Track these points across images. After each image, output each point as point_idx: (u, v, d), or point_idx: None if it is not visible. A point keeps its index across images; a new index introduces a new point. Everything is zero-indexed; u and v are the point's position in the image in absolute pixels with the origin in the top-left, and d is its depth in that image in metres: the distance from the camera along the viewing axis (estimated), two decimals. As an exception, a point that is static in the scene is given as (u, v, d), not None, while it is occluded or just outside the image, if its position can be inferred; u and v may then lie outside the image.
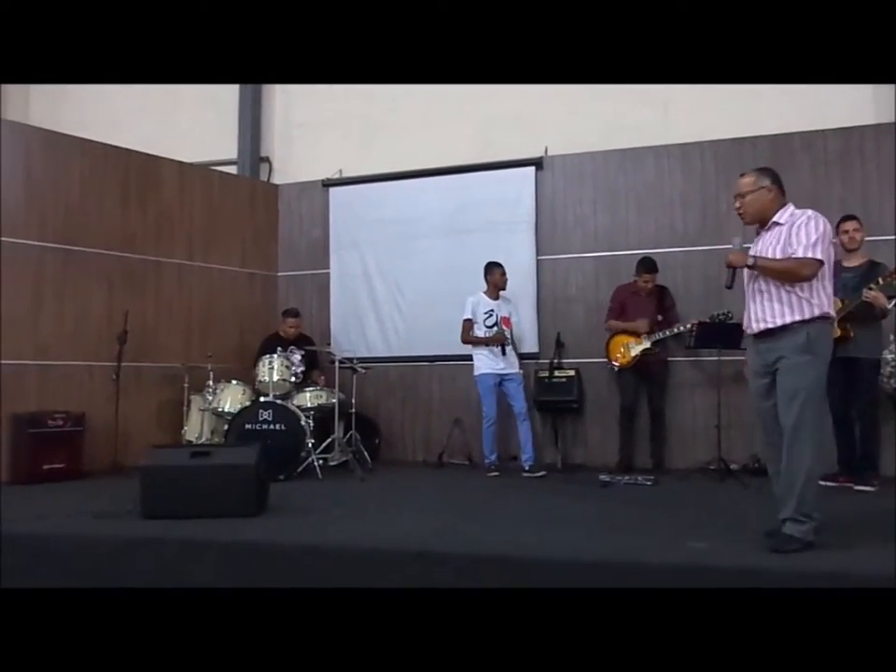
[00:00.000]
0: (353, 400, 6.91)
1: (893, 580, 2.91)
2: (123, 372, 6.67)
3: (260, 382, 6.57)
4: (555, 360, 7.05)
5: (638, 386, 6.73)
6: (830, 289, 3.59)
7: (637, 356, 6.54)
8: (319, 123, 8.56)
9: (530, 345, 7.35)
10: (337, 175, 8.26)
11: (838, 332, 5.25)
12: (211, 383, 6.77)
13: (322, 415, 6.85)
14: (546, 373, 7.04)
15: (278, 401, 6.35)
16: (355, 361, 6.99)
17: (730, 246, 3.81)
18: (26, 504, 5.02)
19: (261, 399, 6.43)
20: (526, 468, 6.49)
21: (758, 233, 3.78)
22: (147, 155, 7.42)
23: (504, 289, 6.82)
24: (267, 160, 8.83)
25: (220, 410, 6.64)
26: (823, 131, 6.68)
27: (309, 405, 6.75)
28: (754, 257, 3.65)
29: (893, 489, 5.06)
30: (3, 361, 6.24)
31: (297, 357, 6.78)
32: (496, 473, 6.49)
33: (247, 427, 6.17)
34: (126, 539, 3.96)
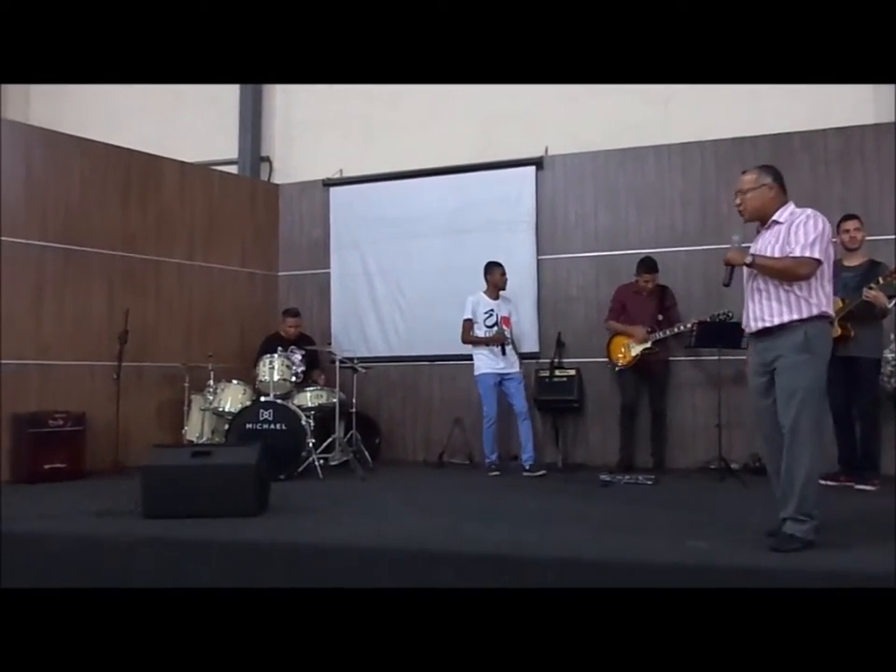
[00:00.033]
0: (353, 400, 6.91)
1: (893, 579, 2.90)
2: (124, 372, 6.67)
3: (261, 381, 6.57)
4: (556, 360, 7.06)
5: (639, 386, 6.73)
6: (829, 288, 3.59)
7: (637, 355, 6.55)
8: (320, 123, 8.56)
9: (531, 345, 7.35)
10: (337, 175, 8.26)
11: (839, 332, 5.25)
12: (212, 382, 6.77)
13: (323, 415, 6.85)
14: (547, 373, 7.05)
15: (279, 401, 6.35)
16: (355, 361, 6.99)
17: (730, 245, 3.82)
18: (27, 504, 5.03)
19: (262, 398, 6.43)
20: (527, 467, 6.49)
21: (758, 232, 3.79)
22: (148, 155, 7.42)
23: (504, 289, 6.81)
24: (267, 159, 8.83)
25: (221, 409, 6.64)
26: (824, 130, 6.68)
27: (309, 405, 6.75)
28: (752, 255, 3.65)
29: (894, 488, 5.05)
30: (3, 361, 6.24)
31: (297, 356, 6.78)
32: (496, 473, 6.50)
33: (248, 426, 6.18)
34: (127, 539, 3.95)
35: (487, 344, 6.65)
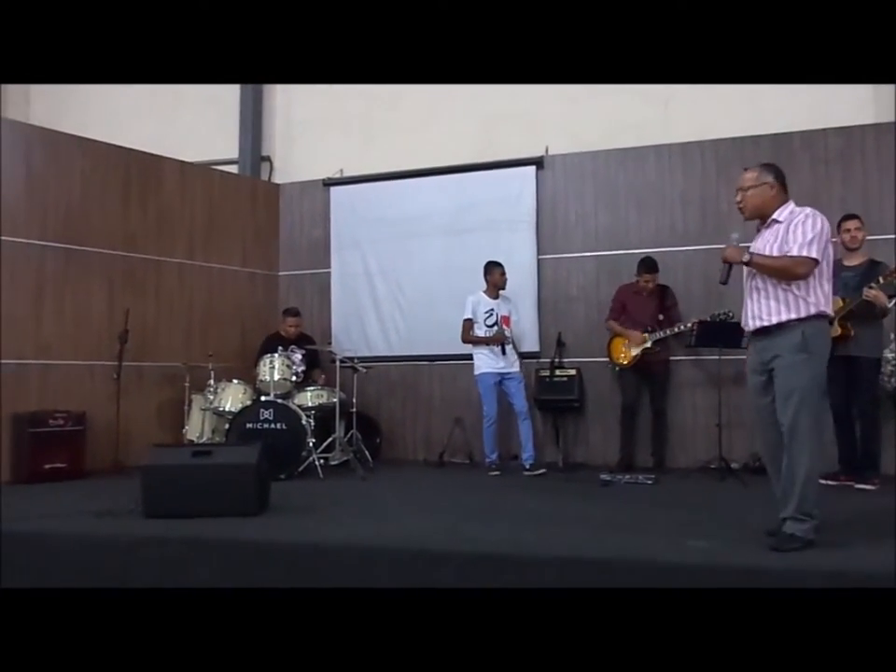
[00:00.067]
0: (354, 400, 6.91)
1: (893, 579, 2.91)
2: (124, 372, 6.68)
3: (261, 381, 6.57)
4: (556, 359, 7.06)
5: (640, 386, 6.73)
6: (827, 288, 3.59)
7: (637, 355, 6.55)
8: (320, 122, 8.56)
9: (531, 345, 7.36)
10: (338, 175, 8.26)
11: (839, 331, 5.26)
12: (212, 382, 6.77)
13: (323, 415, 6.86)
14: (547, 372, 7.05)
15: (279, 401, 6.36)
16: (356, 361, 6.99)
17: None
18: (27, 503, 5.03)
19: (262, 398, 6.43)
20: (527, 466, 6.50)
21: (758, 230, 3.79)
22: (148, 154, 7.42)
23: (504, 289, 6.82)
24: (268, 159, 8.83)
25: (221, 409, 6.64)
26: (824, 130, 6.68)
27: (310, 404, 6.75)
28: (750, 253, 3.65)
29: (894, 488, 5.05)
30: (4, 361, 6.24)
31: (298, 356, 6.79)
32: (496, 472, 6.50)
33: (248, 426, 6.18)
34: (127, 539, 3.96)
35: (487, 344, 6.65)
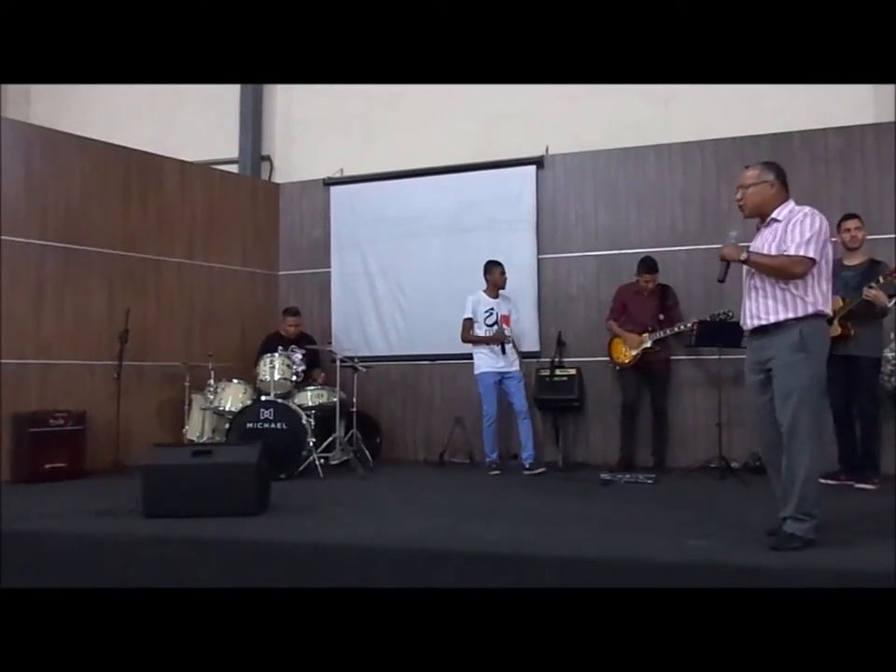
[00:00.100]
0: (354, 399, 6.91)
1: (893, 578, 2.91)
2: (124, 371, 6.67)
3: (261, 381, 6.57)
4: (556, 359, 7.06)
5: (640, 385, 6.73)
6: (826, 287, 3.58)
7: (637, 354, 6.55)
8: (320, 122, 8.56)
9: (531, 344, 7.36)
10: (338, 174, 8.26)
11: (839, 330, 5.27)
12: (212, 382, 6.77)
13: (323, 414, 6.86)
14: (547, 372, 7.05)
15: (279, 400, 6.36)
16: (356, 360, 6.99)
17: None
18: (27, 503, 5.03)
19: (262, 397, 6.43)
20: (527, 465, 6.50)
21: (758, 229, 3.78)
22: (148, 154, 7.42)
23: (503, 288, 6.82)
24: (268, 158, 8.83)
25: (221, 409, 6.64)
26: (824, 129, 6.68)
27: (310, 404, 6.75)
28: (748, 251, 3.65)
29: (894, 487, 5.05)
30: (4, 360, 6.24)
31: (298, 355, 6.79)
32: (497, 472, 6.50)
33: (249, 425, 6.18)
34: (127, 539, 3.96)
35: (487, 343, 6.65)
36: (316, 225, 8.32)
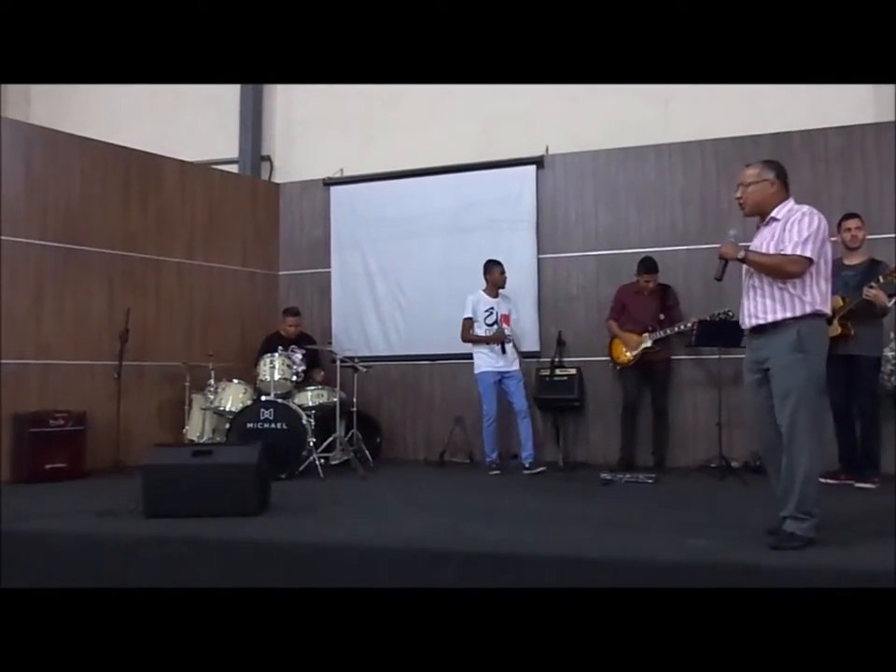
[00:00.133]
0: (354, 399, 6.91)
1: (894, 578, 2.91)
2: (125, 371, 6.67)
3: (262, 381, 6.57)
4: (556, 359, 7.07)
5: (641, 385, 6.73)
6: (825, 287, 3.57)
7: (637, 354, 6.55)
8: (320, 122, 8.56)
9: (531, 344, 7.36)
10: (338, 174, 8.26)
11: (839, 330, 5.27)
12: (212, 382, 6.77)
13: (323, 414, 6.86)
14: (547, 372, 7.05)
15: (279, 400, 6.36)
16: (356, 360, 6.99)
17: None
18: (28, 503, 5.03)
19: (263, 397, 6.43)
20: (527, 465, 6.50)
21: (758, 228, 3.78)
22: (148, 154, 7.42)
23: (503, 287, 6.82)
24: (268, 158, 8.83)
25: (222, 409, 6.64)
26: (824, 129, 6.68)
27: (310, 404, 6.75)
28: (746, 250, 3.65)
29: (894, 487, 5.05)
30: (4, 360, 6.24)
31: (298, 355, 6.79)
32: (497, 472, 6.50)
33: (249, 425, 6.18)
34: (128, 539, 3.96)
35: (487, 343, 6.65)
36: (316, 225, 8.32)
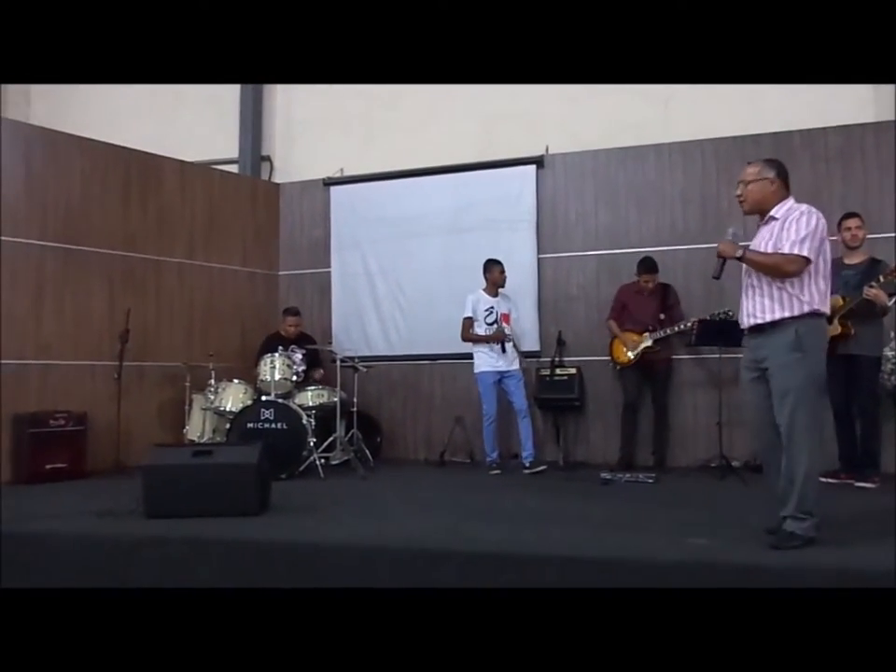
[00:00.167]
0: (354, 399, 6.92)
1: (894, 577, 2.91)
2: (125, 372, 6.67)
3: (262, 381, 6.58)
4: (557, 358, 7.07)
5: (642, 384, 6.73)
6: (823, 286, 3.56)
7: (637, 354, 6.55)
8: (320, 122, 8.56)
9: (531, 344, 7.36)
10: (338, 174, 8.26)
11: (839, 329, 5.28)
12: (213, 382, 6.78)
13: (324, 414, 6.86)
14: (547, 371, 7.05)
15: (280, 400, 6.36)
16: (356, 360, 6.99)
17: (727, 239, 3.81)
18: (28, 504, 5.03)
19: (263, 398, 6.44)
20: (527, 464, 6.50)
21: (758, 226, 3.78)
22: (148, 154, 7.42)
23: (503, 287, 6.82)
24: (268, 158, 8.83)
25: (222, 409, 6.64)
26: (824, 128, 6.68)
27: (310, 404, 6.75)
28: (744, 249, 3.65)
29: (894, 486, 5.06)
30: (4, 361, 6.24)
31: (298, 355, 6.80)
32: (497, 471, 6.50)
33: (249, 426, 6.19)
34: (128, 539, 3.96)
35: (487, 342, 6.65)
36: (316, 225, 8.32)
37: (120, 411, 6.60)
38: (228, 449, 5.01)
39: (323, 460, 6.30)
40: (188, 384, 6.91)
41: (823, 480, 4.43)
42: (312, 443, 6.27)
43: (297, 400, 6.67)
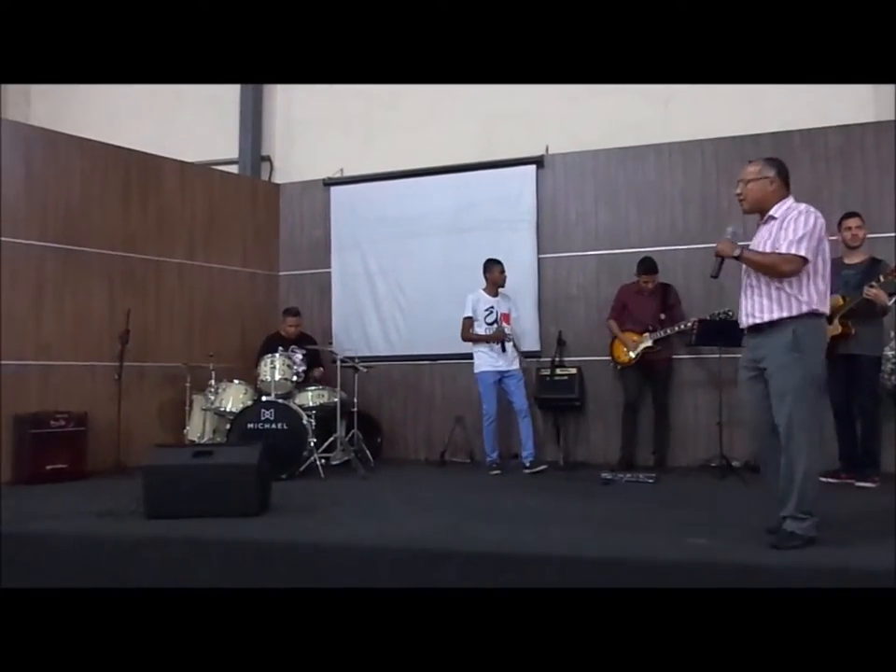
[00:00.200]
0: (355, 399, 6.92)
1: (894, 577, 2.91)
2: (125, 372, 6.67)
3: (262, 381, 6.58)
4: (557, 358, 7.07)
5: (642, 384, 6.73)
6: (822, 286, 3.55)
7: (638, 354, 6.55)
8: (320, 122, 8.56)
9: (531, 344, 7.36)
10: (338, 174, 8.26)
11: (839, 329, 5.28)
12: (213, 382, 6.78)
13: (324, 414, 6.86)
14: (548, 371, 7.05)
15: (280, 401, 6.36)
16: (356, 360, 6.99)
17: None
18: (28, 504, 5.03)
19: (263, 398, 6.44)
20: (527, 464, 6.50)
21: (758, 226, 3.78)
22: (148, 154, 7.42)
23: (503, 286, 6.82)
24: (268, 159, 8.83)
25: (222, 409, 6.64)
26: (824, 128, 6.68)
27: (311, 404, 6.75)
28: (741, 248, 3.64)
29: (894, 486, 5.05)
30: (4, 361, 6.25)
31: (298, 356, 6.80)
32: (497, 471, 6.50)
33: (249, 426, 6.19)
34: (129, 539, 3.96)
35: (487, 342, 6.65)
36: (316, 225, 8.32)
37: (121, 411, 6.60)
38: (228, 449, 5.01)
39: (323, 460, 6.30)
40: (188, 384, 6.91)
41: (823, 480, 4.44)
42: (312, 444, 6.27)
43: (297, 401, 6.67)
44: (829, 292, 3.63)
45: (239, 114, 8.76)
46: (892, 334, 5.78)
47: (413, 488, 5.92)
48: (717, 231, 6.54)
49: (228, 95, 8.66)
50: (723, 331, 5.97)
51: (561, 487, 5.81)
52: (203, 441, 6.63)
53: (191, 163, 7.89)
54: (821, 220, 3.54)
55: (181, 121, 8.82)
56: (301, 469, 6.19)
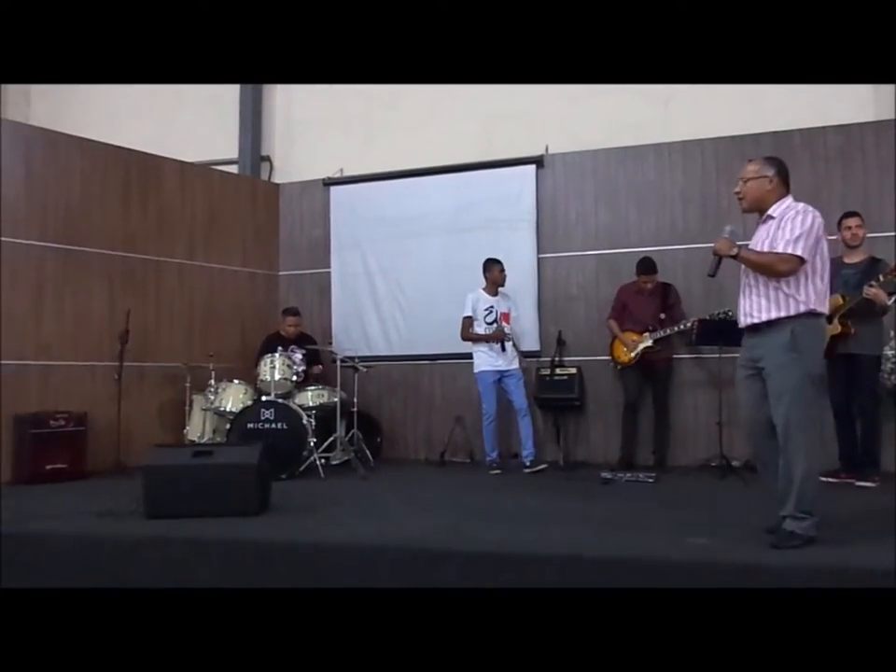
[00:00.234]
0: (355, 399, 6.92)
1: (894, 577, 2.91)
2: (125, 372, 6.67)
3: (262, 381, 6.57)
4: (557, 358, 7.07)
5: (642, 384, 6.73)
6: (821, 286, 3.54)
7: (637, 354, 6.55)
8: (320, 122, 8.56)
9: (531, 343, 7.36)
10: (338, 174, 8.26)
11: (839, 328, 5.28)
12: (213, 382, 6.78)
13: (324, 414, 6.86)
14: (547, 371, 7.05)
15: (280, 400, 6.36)
16: (356, 360, 6.99)
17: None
18: (28, 504, 5.03)
19: (263, 398, 6.44)
20: (527, 464, 6.51)
21: (757, 225, 3.78)
22: (148, 154, 7.42)
23: (503, 286, 6.82)
24: (268, 159, 8.83)
25: (222, 409, 6.64)
26: (824, 128, 6.68)
27: (311, 404, 6.75)
28: (739, 247, 3.64)
29: (894, 486, 5.05)
30: (4, 361, 6.24)
31: (298, 356, 6.80)
32: (497, 471, 6.50)
33: (249, 426, 6.19)
34: (129, 539, 3.96)
35: (487, 341, 6.65)
36: (316, 225, 8.32)
37: (121, 411, 6.60)
38: (228, 449, 5.01)
39: (323, 460, 6.30)
40: (188, 384, 6.91)
41: (823, 479, 4.44)
42: (312, 443, 6.27)
43: (297, 400, 6.67)
44: (828, 292, 3.62)
45: (239, 114, 8.75)
46: (892, 334, 5.78)
47: (413, 488, 5.92)
48: (717, 230, 6.45)
49: (228, 95, 8.66)
50: (723, 331, 5.97)
51: (561, 487, 5.81)
52: (202, 441, 6.63)
53: (191, 163, 7.90)
54: (820, 220, 3.53)
55: (181, 121, 8.82)
56: (301, 468, 6.19)
